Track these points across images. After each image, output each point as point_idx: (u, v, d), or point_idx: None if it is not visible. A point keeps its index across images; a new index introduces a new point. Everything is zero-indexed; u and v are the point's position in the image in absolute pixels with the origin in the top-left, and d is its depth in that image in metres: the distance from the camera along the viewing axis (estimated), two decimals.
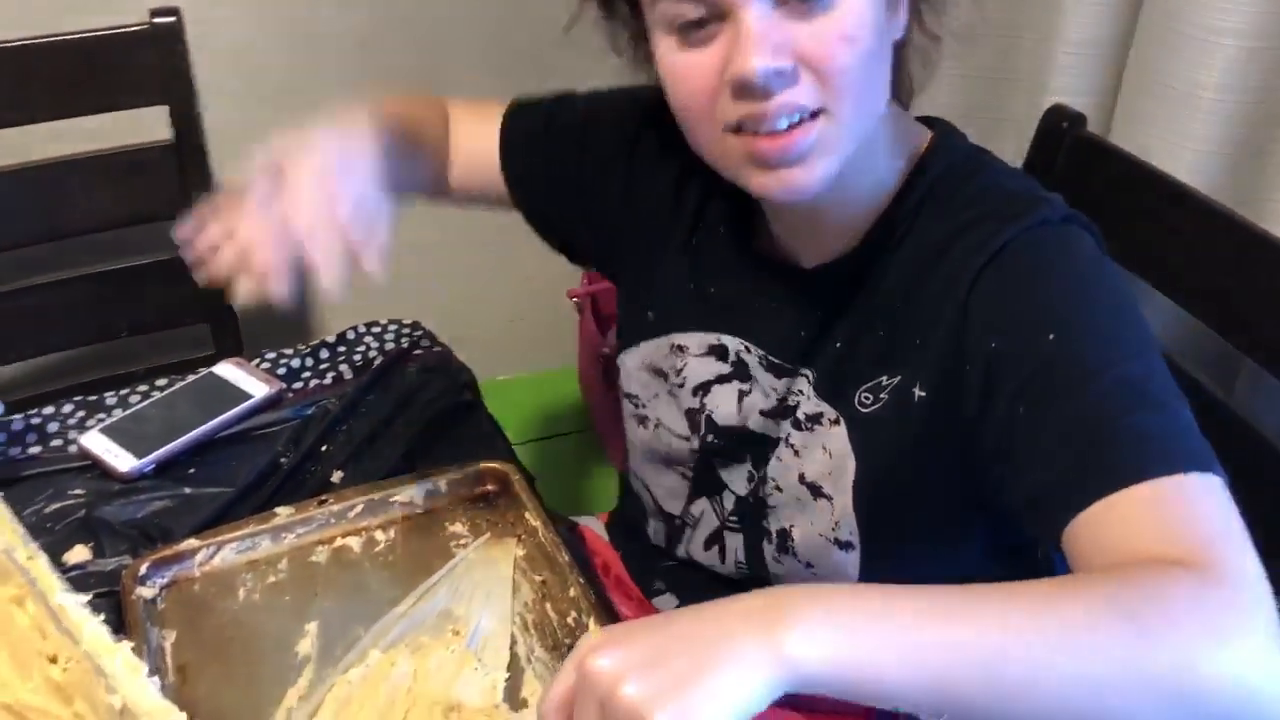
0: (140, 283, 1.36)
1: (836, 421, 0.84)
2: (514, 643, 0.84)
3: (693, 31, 0.73)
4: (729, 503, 0.95)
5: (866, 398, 0.83)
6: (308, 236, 0.74)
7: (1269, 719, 0.57)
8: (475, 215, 1.08)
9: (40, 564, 0.77)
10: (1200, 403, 0.69)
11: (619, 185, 0.96)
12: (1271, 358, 0.89)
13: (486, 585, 0.89)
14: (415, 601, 0.87)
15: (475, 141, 1.01)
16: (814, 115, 0.73)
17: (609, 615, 0.86)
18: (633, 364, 0.98)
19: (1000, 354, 0.73)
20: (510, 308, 1.89)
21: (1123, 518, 0.64)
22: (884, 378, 0.81)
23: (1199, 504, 0.64)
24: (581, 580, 0.86)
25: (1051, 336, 0.70)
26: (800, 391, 0.87)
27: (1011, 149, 1.10)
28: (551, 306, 1.73)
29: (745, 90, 0.71)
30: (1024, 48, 1.21)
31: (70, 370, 1.45)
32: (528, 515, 0.93)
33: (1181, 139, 1.04)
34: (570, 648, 0.78)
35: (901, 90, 0.83)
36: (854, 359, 0.83)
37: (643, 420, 0.99)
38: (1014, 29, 1.21)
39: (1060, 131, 1.04)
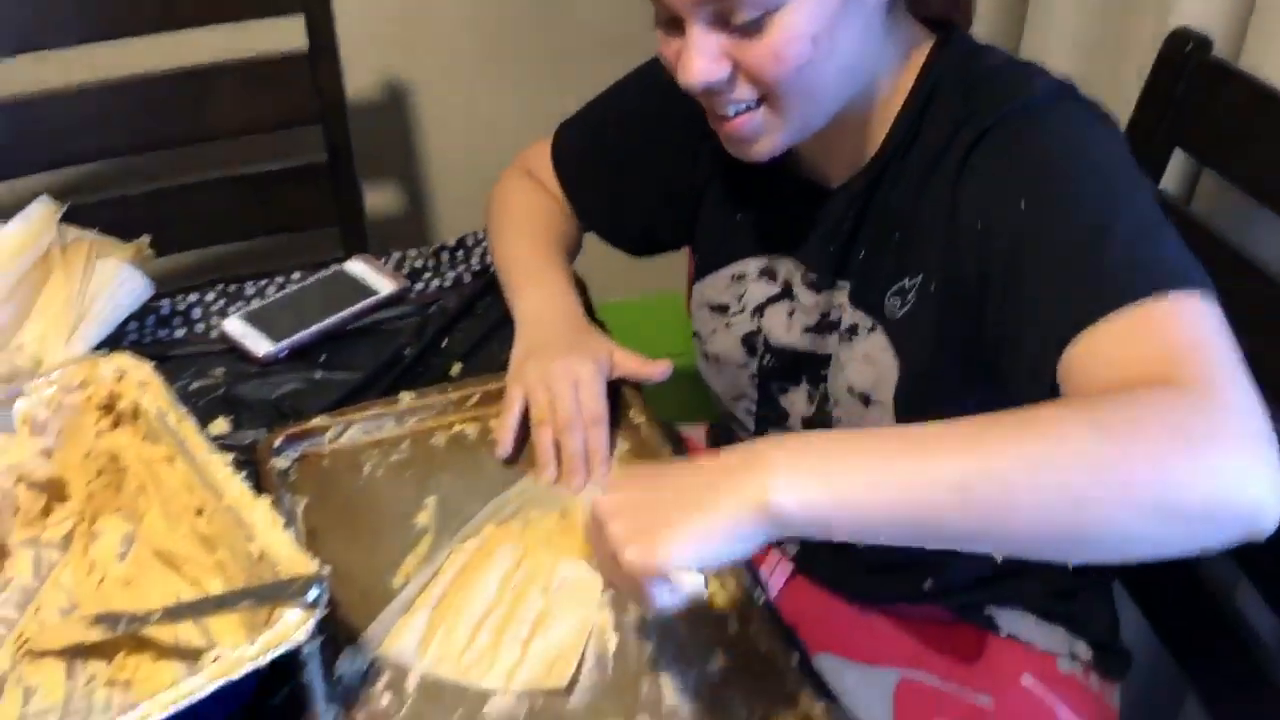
0: (278, 186, 1.44)
1: (873, 329, 0.87)
2: None
3: (670, 27, 0.80)
4: (797, 427, 0.99)
5: (895, 301, 0.86)
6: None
7: (1249, 523, 0.57)
8: None
9: (190, 426, 0.84)
10: None
11: (664, 154, 1.01)
12: None
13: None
14: (527, 485, 0.92)
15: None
16: (759, 103, 0.79)
17: None
18: (697, 301, 1.03)
19: (985, 231, 0.76)
20: None
21: (1108, 345, 0.65)
22: (905, 280, 0.85)
23: (1181, 320, 0.65)
24: None
25: (1023, 204, 0.73)
26: (840, 305, 0.90)
27: (1133, 76, 1.09)
28: None
29: (690, 90, 0.79)
30: None
31: (209, 268, 1.54)
32: (632, 412, 0.98)
33: None
34: None
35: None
36: (879, 266, 0.87)
37: (706, 356, 1.04)
38: None
39: (1183, 57, 1.03)
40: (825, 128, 0.83)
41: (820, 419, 0.96)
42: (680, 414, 1.39)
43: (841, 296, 0.90)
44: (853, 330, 0.89)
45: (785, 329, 0.95)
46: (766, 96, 0.79)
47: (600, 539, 0.67)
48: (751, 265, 0.97)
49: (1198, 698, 1.01)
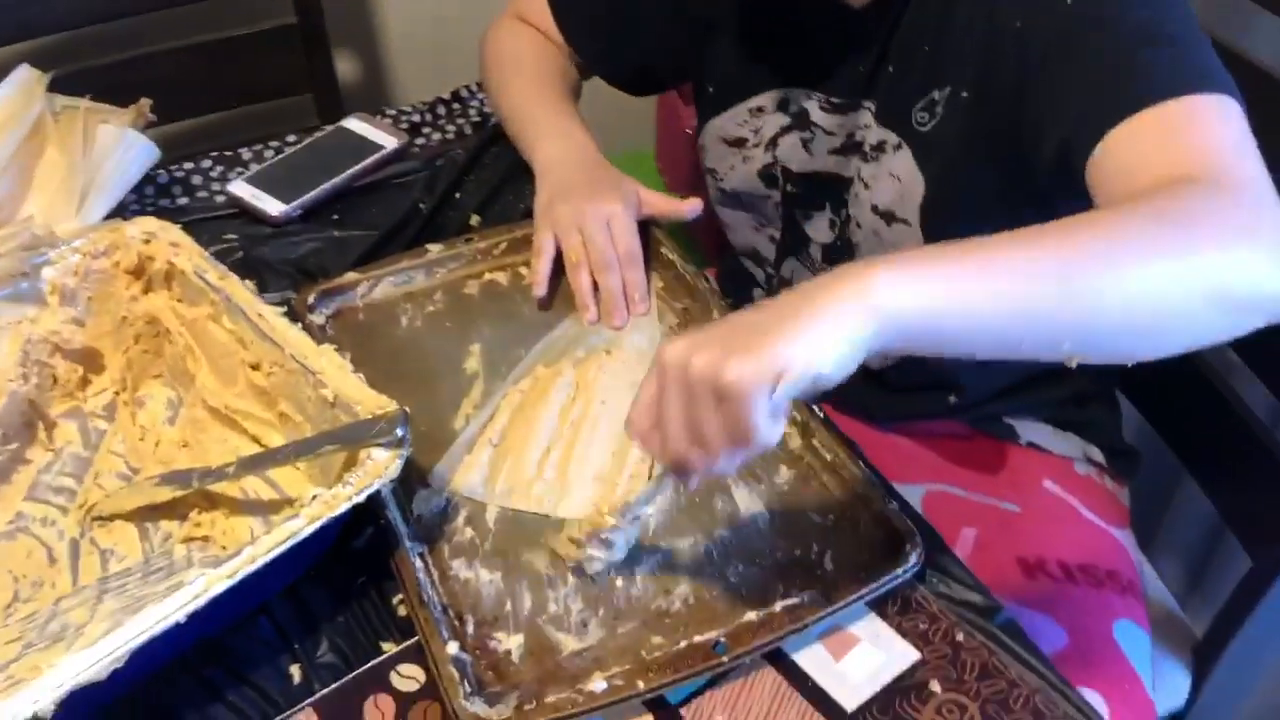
0: (250, 51, 1.38)
1: (899, 146, 0.88)
2: None
3: None
4: (817, 254, 1.00)
5: (923, 116, 0.86)
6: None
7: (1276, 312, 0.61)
8: None
9: (234, 282, 0.83)
10: None
11: None
12: None
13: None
14: (570, 326, 0.93)
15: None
16: None
17: None
18: (710, 136, 1.02)
19: (1025, 29, 0.76)
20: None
21: (1138, 142, 0.68)
22: (935, 92, 0.85)
23: (1207, 122, 0.68)
24: (724, 301, 0.92)
25: (1068, 1, 0.73)
26: (865, 125, 0.91)
27: None
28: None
29: None
30: None
31: (185, 140, 1.49)
32: (664, 250, 0.98)
33: None
34: None
35: None
36: (906, 80, 0.87)
37: (723, 192, 1.04)
38: None
39: None
40: None
41: (840, 245, 0.98)
42: None
43: (866, 117, 0.91)
44: (879, 148, 0.90)
45: (804, 157, 0.96)
46: None
47: (681, 392, 0.60)
48: (768, 98, 0.97)
49: (1198, 482, 1.07)
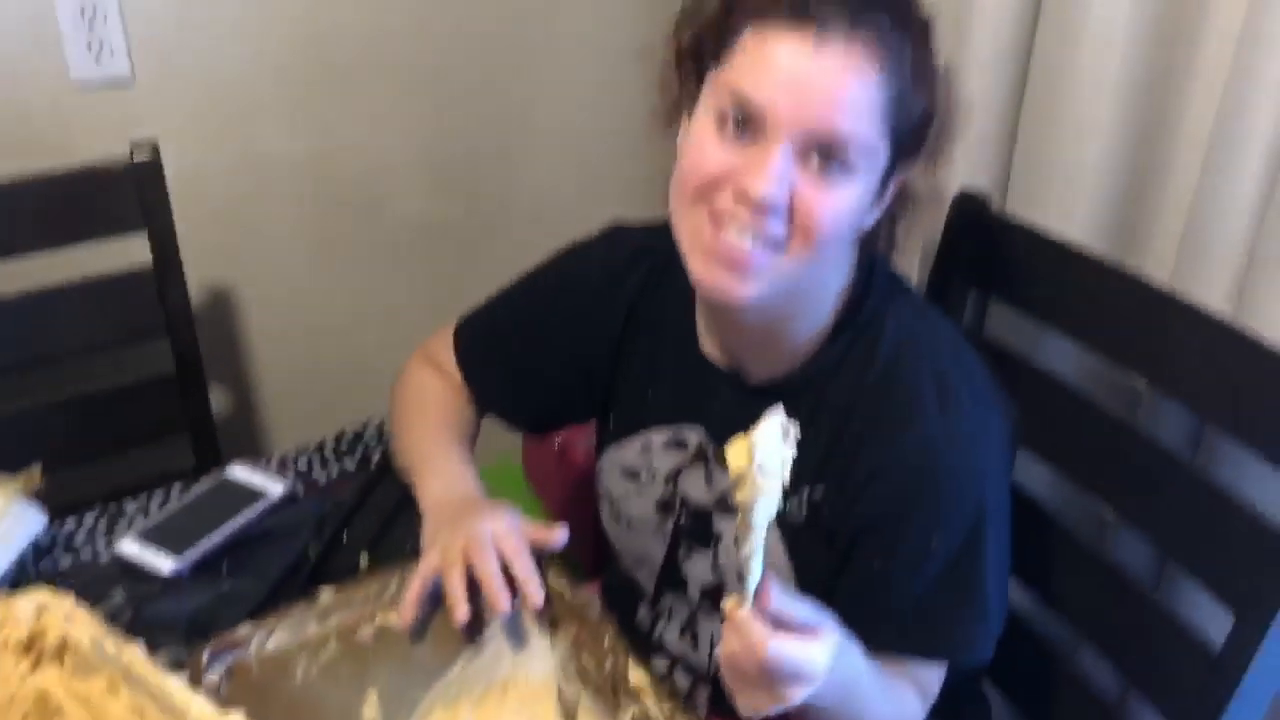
0: (125, 401, 1.41)
1: (771, 528, 0.97)
2: (560, 692, 0.93)
3: (730, 127, 0.83)
4: (695, 595, 1.07)
5: (797, 504, 0.96)
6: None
7: None
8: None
9: (134, 651, 0.83)
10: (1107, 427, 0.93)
11: (580, 333, 1.07)
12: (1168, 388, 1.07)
13: (527, 639, 0.97)
14: (465, 665, 0.95)
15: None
16: (774, 247, 0.84)
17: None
18: (608, 466, 1.10)
19: (866, 522, 0.93)
20: None
21: (889, 661, 0.93)
22: (812, 488, 0.95)
23: (932, 679, 0.96)
24: (612, 627, 0.96)
25: (894, 500, 0.92)
26: None
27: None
28: None
29: (743, 198, 0.83)
30: None
31: (60, 490, 1.48)
32: (548, 579, 1.02)
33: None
34: (614, 690, 0.89)
35: (877, 246, 0.97)
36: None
37: (617, 517, 1.10)
38: None
39: (969, 214, 1.22)
40: (746, 317, 0.91)
41: (716, 589, 1.04)
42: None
43: None
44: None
45: (705, 490, 1.02)
46: (790, 244, 0.83)
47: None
48: (657, 436, 1.04)
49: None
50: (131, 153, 1.33)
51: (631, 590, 1.15)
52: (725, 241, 0.84)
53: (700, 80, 0.88)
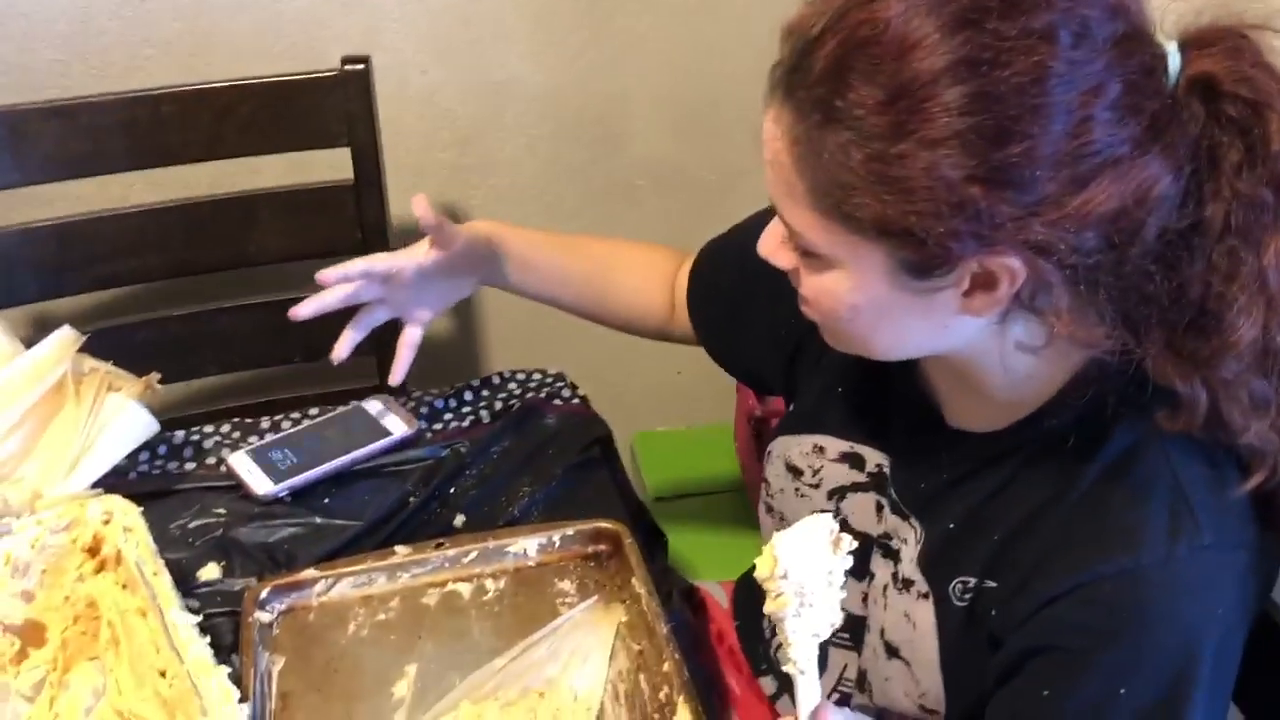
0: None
1: (926, 596, 0.81)
2: (602, 712, 0.83)
3: None
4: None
5: (960, 589, 0.79)
6: None
7: None
8: None
9: (163, 581, 0.82)
10: None
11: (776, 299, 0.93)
12: None
13: (585, 649, 0.88)
14: (512, 659, 0.87)
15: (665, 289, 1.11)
16: None
17: (700, 694, 0.84)
18: (777, 452, 0.97)
19: (1043, 645, 0.73)
20: (674, 358, 1.89)
21: None
22: (983, 580, 0.78)
23: None
24: (677, 656, 0.85)
25: (1075, 637, 0.71)
26: (905, 540, 0.83)
27: None
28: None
29: None
30: None
31: (240, 391, 1.54)
32: (634, 581, 0.92)
33: None
34: None
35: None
36: (959, 547, 0.79)
37: (770, 509, 0.97)
38: None
39: None
40: (941, 365, 0.80)
41: (859, 624, 0.89)
42: (707, 565, 1.33)
43: (909, 534, 0.83)
44: (907, 584, 0.82)
45: (872, 521, 0.88)
46: None
47: None
48: (833, 444, 0.91)
49: None
50: (343, 64, 1.32)
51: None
52: None
53: None
